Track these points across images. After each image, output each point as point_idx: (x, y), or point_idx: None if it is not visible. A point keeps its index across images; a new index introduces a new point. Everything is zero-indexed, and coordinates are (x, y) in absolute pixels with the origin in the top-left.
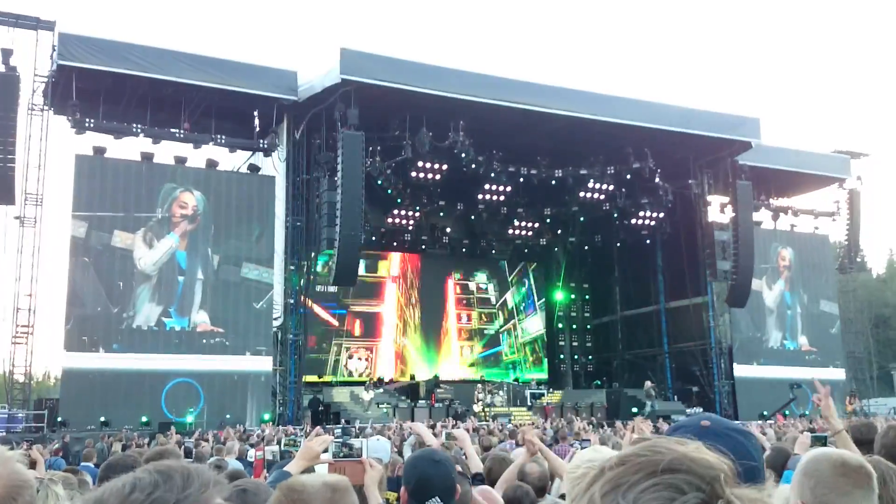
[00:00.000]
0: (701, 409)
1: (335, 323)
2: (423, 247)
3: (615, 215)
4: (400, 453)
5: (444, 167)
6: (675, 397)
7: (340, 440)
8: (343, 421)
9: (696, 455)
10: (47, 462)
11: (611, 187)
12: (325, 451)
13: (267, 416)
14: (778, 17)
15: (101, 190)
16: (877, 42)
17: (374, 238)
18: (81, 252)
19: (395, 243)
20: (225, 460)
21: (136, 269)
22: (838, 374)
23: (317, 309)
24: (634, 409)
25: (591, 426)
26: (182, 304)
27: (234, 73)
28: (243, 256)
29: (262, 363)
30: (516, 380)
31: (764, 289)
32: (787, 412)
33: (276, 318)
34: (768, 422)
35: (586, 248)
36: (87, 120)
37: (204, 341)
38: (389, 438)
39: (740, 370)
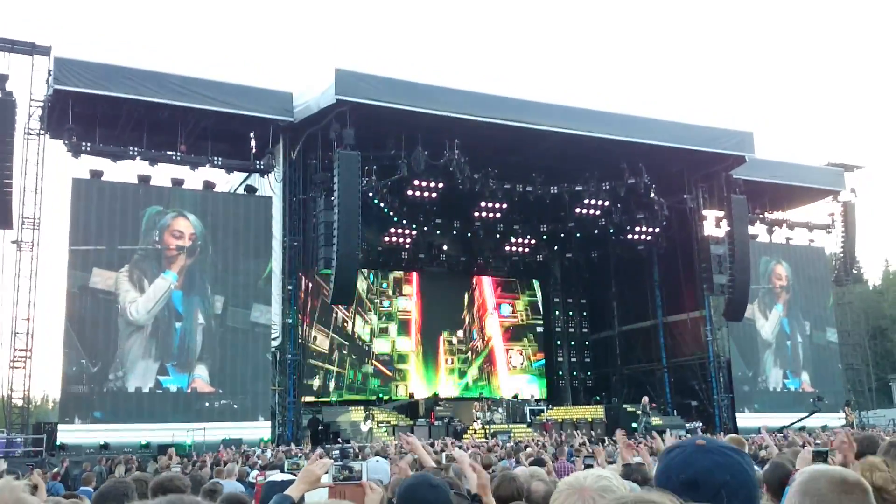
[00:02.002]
0: (700, 424)
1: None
2: (421, 265)
3: (611, 231)
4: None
5: (440, 185)
6: (675, 412)
7: (340, 463)
8: (342, 441)
9: (655, 496)
10: (46, 487)
11: (606, 203)
12: (326, 473)
13: (266, 437)
14: (771, 31)
15: (97, 217)
16: (870, 55)
17: (371, 258)
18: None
19: (391, 262)
20: (220, 483)
21: (122, 318)
22: (840, 418)
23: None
24: (634, 425)
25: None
26: (182, 356)
27: (229, 96)
28: (251, 296)
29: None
30: (515, 396)
31: (758, 317)
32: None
33: (274, 339)
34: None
35: (583, 263)
36: (84, 144)
37: (206, 405)
38: (388, 458)
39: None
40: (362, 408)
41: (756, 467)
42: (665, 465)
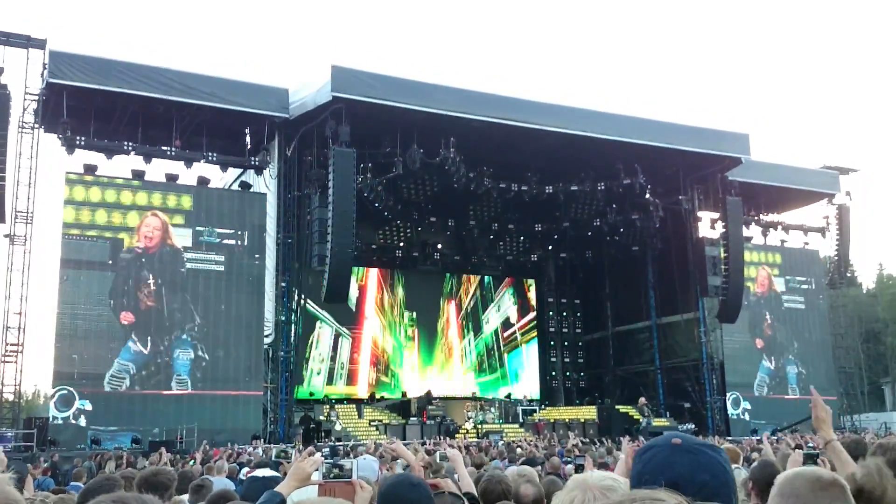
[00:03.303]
0: (693, 426)
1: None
2: (415, 264)
3: (606, 231)
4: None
5: (436, 184)
6: (668, 413)
7: (331, 461)
8: (333, 439)
9: (663, 494)
10: (36, 482)
11: (601, 203)
12: (316, 471)
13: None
14: (767, 33)
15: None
16: (866, 58)
17: (365, 255)
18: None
19: (385, 260)
20: (209, 479)
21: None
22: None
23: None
24: (627, 426)
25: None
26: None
27: (225, 91)
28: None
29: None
30: (508, 396)
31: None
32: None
33: (267, 336)
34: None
35: (577, 263)
36: (78, 138)
37: (198, 400)
38: (382, 457)
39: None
40: (327, 406)
41: (744, 470)
42: (642, 468)
